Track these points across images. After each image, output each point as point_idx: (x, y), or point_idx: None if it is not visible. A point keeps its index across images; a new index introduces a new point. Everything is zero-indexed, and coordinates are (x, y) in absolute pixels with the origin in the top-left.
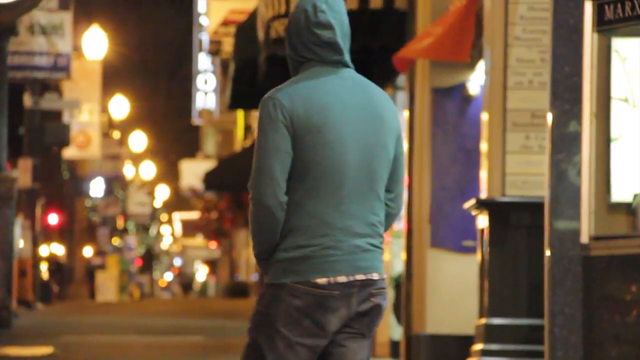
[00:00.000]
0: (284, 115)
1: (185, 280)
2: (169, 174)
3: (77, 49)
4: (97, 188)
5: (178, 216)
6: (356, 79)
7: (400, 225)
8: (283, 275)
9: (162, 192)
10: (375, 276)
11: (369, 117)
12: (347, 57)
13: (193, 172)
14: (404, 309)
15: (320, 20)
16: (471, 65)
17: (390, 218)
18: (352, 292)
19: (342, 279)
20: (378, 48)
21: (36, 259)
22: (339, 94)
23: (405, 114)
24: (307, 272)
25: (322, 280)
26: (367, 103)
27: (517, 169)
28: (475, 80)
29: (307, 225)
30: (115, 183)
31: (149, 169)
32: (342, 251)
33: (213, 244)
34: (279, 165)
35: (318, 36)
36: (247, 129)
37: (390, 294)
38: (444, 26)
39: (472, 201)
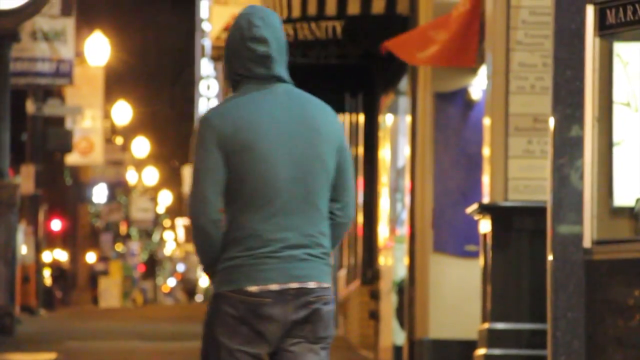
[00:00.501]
0: (214, 135)
1: (188, 286)
2: (172, 179)
3: (79, 55)
4: (99, 194)
5: (181, 222)
6: (291, 93)
7: (403, 230)
8: (220, 286)
9: (165, 198)
10: (311, 285)
11: (303, 130)
12: (283, 72)
13: None
14: (406, 314)
15: (254, 34)
16: (473, 70)
17: (339, 227)
18: (286, 300)
19: (274, 287)
20: (380, 53)
21: (39, 265)
22: (270, 109)
23: (408, 119)
24: (240, 280)
25: (253, 288)
26: (302, 116)
27: (520, 173)
28: (478, 85)
29: (242, 237)
30: (118, 189)
31: (151, 175)
32: (276, 260)
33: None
34: (211, 185)
35: (253, 50)
36: None
37: (393, 299)
38: (448, 32)
39: (475, 206)
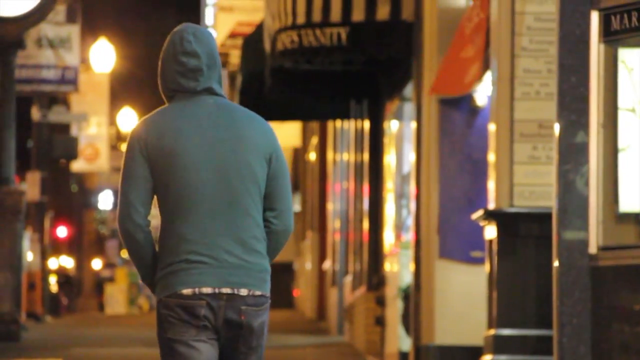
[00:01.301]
0: (140, 144)
1: None
2: None
3: (84, 62)
4: (105, 200)
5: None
6: (220, 104)
7: (408, 236)
8: (159, 293)
9: None
10: (243, 292)
11: (228, 138)
12: (214, 85)
13: None
14: (412, 320)
15: (185, 49)
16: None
17: (276, 235)
18: (219, 305)
19: (207, 290)
20: (385, 59)
21: (45, 272)
22: (195, 118)
23: (413, 125)
24: (174, 285)
25: (187, 291)
26: (228, 126)
27: (525, 179)
28: (483, 91)
29: (173, 244)
30: None
31: None
32: (208, 265)
33: None
34: (135, 190)
35: (183, 64)
36: None
37: (398, 305)
38: (475, 45)
39: (480, 212)
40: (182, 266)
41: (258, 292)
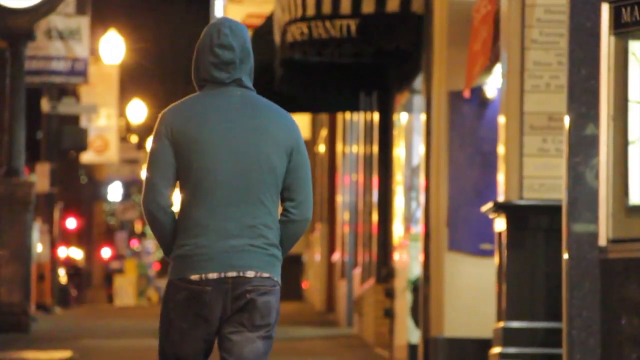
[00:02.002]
0: (166, 129)
1: None
2: None
3: (94, 53)
4: (114, 192)
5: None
6: (246, 97)
7: (417, 228)
8: (171, 275)
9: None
10: (249, 274)
11: (249, 130)
12: (244, 78)
13: None
14: (421, 313)
15: (222, 42)
16: (488, 69)
17: (294, 225)
18: (225, 288)
19: (213, 275)
20: (394, 51)
21: (54, 263)
22: (220, 108)
23: (422, 117)
24: (184, 269)
25: (195, 277)
26: (251, 118)
27: (535, 172)
28: (492, 84)
29: (187, 226)
30: (133, 187)
31: None
32: (215, 250)
33: None
34: (159, 173)
35: (218, 56)
36: None
37: (408, 297)
38: (480, 38)
39: (490, 204)
40: (192, 251)
41: (265, 274)
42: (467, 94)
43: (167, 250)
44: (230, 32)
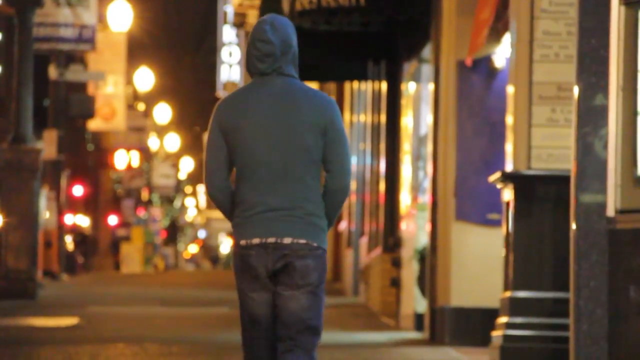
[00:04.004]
0: (219, 117)
1: (211, 253)
2: (194, 146)
3: (102, 20)
4: (121, 160)
5: (202, 188)
6: (286, 85)
7: (425, 198)
8: (233, 245)
9: (187, 164)
10: (287, 240)
11: (285, 114)
12: (285, 67)
13: None
14: (428, 282)
15: (261, 37)
16: (497, 38)
17: (332, 193)
18: (266, 252)
19: (256, 240)
20: (403, 20)
21: (61, 231)
22: (262, 97)
23: (431, 86)
24: (237, 236)
25: (243, 242)
26: (287, 102)
27: (543, 142)
28: (501, 53)
29: (238, 201)
30: (140, 155)
31: (173, 141)
32: (259, 219)
33: None
34: (214, 158)
35: (259, 49)
36: None
37: (414, 266)
38: (490, 7)
39: (498, 174)
40: (242, 221)
41: (302, 240)
42: (469, 62)
43: (231, 220)
44: (270, 28)
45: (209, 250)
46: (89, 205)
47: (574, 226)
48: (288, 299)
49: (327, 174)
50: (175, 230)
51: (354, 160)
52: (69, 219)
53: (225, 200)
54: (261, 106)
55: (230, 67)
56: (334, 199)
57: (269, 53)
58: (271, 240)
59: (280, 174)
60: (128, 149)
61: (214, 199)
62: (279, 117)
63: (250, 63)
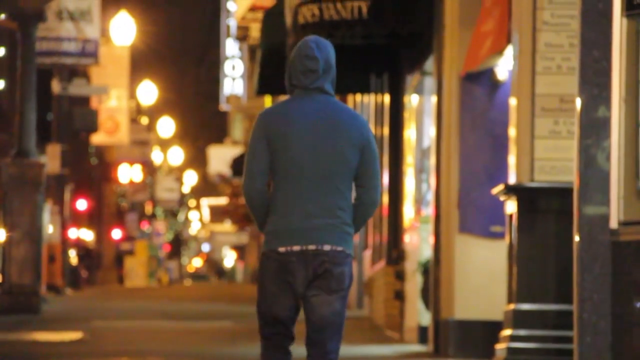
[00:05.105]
0: (264, 125)
1: (217, 267)
2: (197, 159)
3: (105, 34)
4: (125, 174)
5: (206, 202)
6: (327, 102)
7: (428, 210)
8: (264, 246)
9: (190, 178)
10: (326, 247)
11: (328, 129)
12: (326, 86)
13: (221, 157)
14: (432, 295)
15: (308, 53)
16: (499, 51)
17: (365, 206)
18: (306, 259)
19: (297, 248)
20: (406, 33)
21: (65, 245)
22: (306, 112)
23: (433, 99)
24: (274, 242)
25: (282, 249)
26: (329, 118)
27: (546, 154)
28: (504, 66)
29: (277, 208)
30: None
31: (177, 155)
32: (299, 227)
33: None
34: (256, 163)
35: (305, 65)
36: None
37: (418, 279)
38: (494, 19)
39: (501, 186)
40: (281, 227)
41: (339, 248)
42: (462, 73)
43: (261, 226)
44: (315, 47)
45: (213, 264)
46: (92, 219)
47: (577, 238)
48: (322, 304)
49: (361, 189)
50: (179, 244)
51: None
52: (73, 233)
53: (262, 204)
54: (306, 117)
55: (234, 81)
56: (365, 211)
57: (313, 69)
58: (312, 247)
59: (320, 182)
60: (131, 163)
61: (251, 201)
62: (323, 129)
63: (294, 77)
